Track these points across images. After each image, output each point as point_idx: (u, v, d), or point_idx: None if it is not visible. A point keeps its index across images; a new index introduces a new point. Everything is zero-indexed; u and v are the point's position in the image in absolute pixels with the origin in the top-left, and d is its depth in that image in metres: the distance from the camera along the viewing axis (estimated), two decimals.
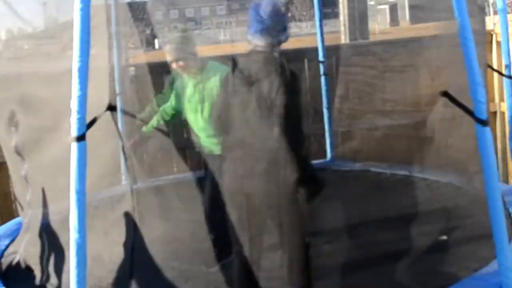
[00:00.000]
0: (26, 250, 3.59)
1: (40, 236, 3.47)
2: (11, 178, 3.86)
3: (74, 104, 2.40)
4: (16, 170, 3.65)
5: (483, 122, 2.57)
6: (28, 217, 3.62)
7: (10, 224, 4.39)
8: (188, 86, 3.56)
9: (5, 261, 3.71)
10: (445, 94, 2.85)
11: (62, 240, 3.14)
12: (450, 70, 3.12)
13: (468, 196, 3.58)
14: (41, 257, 3.44)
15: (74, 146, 2.38)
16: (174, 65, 3.49)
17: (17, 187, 3.82)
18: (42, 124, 3.17)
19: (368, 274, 3.22)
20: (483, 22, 3.37)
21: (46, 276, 3.36)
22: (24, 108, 3.41)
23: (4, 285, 3.40)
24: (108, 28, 2.61)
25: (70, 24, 2.39)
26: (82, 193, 2.40)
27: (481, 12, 3.35)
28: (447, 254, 3.26)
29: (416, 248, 3.39)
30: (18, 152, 3.49)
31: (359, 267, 3.28)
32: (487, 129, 2.58)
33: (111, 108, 2.57)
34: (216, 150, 3.24)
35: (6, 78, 3.62)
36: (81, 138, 2.39)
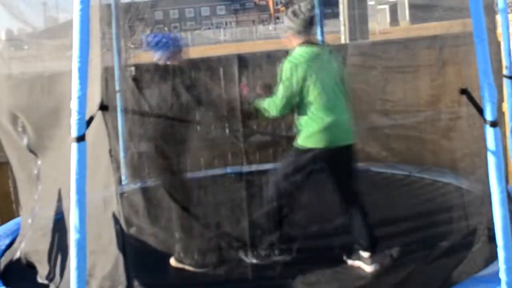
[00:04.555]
0: (28, 248, 3.58)
1: (45, 233, 3.46)
2: (16, 178, 3.85)
3: (74, 105, 2.40)
4: (24, 169, 3.65)
5: (492, 123, 2.56)
6: (32, 214, 3.61)
7: (10, 224, 4.39)
8: None
9: (5, 261, 3.71)
10: (464, 91, 2.81)
11: (67, 237, 3.15)
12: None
13: (469, 196, 3.58)
14: (45, 254, 3.43)
15: (74, 146, 2.38)
16: None
17: (21, 186, 3.82)
18: (52, 123, 3.18)
19: (370, 276, 3.22)
20: (493, 21, 3.35)
21: (49, 274, 3.35)
22: (24, 109, 3.42)
23: (4, 284, 3.40)
24: (101, 28, 2.61)
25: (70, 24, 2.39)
26: (82, 193, 2.40)
27: (491, 10, 3.33)
28: (448, 254, 3.26)
29: (416, 248, 3.39)
30: (31, 150, 3.49)
31: (359, 269, 3.28)
32: (497, 130, 2.56)
33: (103, 107, 2.57)
34: None
35: (7, 78, 3.62)
36: (81, 138, 2.39)
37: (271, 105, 3.40)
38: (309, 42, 3.42)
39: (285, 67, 3.33)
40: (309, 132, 3.37)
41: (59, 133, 3.08)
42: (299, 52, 3.38)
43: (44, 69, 3.52)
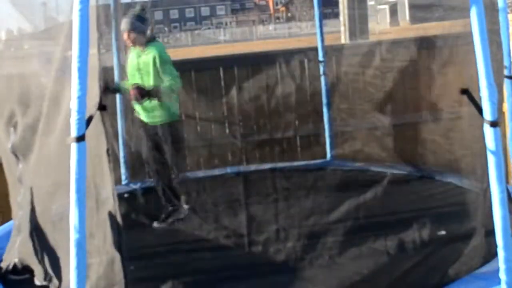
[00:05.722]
0: (20, 251, 3.56)
1: (32, 236, 3.44)
2: (7, 180, 3.84)
3: (73, 105, 2.40)
4: (11, 171, 3.64)
5: (492, 123, 2.56)
6: (19, 219, 3.60)
7: (11, 224, 4.37)
8: (131, 56, 4.34)
9: (5, 264, 3.69)
10: (465, 91, 2.81)
11: (56, 239, 3.14)
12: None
13: (469, 195, 3.58)
14: (36, 257, 3.41)
15: (74, 146, 2.39)
16: (125, 36, 4.25)
17: (11, 189, 3.81)
18: (37, 125, 3.18)
19: (368, 272, 3.22)
20: (496, 20, 3.35)
21: (42, 276, 3.34)
22: (22, 108, 3.42)
23: (4, 287, 3.39)
24: (98, 28, 2.62)
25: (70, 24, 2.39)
26: (82, 193, 2.40)
27: (494, 9, 3.33)
28: (448, 252, 3.26)
29: (416, 247, 3.40)
30: (14, 153, 3.48)
31: (358, 265, 3.28)
32: (497, 130, 2.56)
33: (101, 107, 2.57)
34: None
35: (6, 78, 3.63)
36: (81, 138, 2.39)
37: (175, 82, 4.08)
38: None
39: (163, 50, 4.18)
40: (174, 108, 4.24)
41: (42, 134, 3.09)
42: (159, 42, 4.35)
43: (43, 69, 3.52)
